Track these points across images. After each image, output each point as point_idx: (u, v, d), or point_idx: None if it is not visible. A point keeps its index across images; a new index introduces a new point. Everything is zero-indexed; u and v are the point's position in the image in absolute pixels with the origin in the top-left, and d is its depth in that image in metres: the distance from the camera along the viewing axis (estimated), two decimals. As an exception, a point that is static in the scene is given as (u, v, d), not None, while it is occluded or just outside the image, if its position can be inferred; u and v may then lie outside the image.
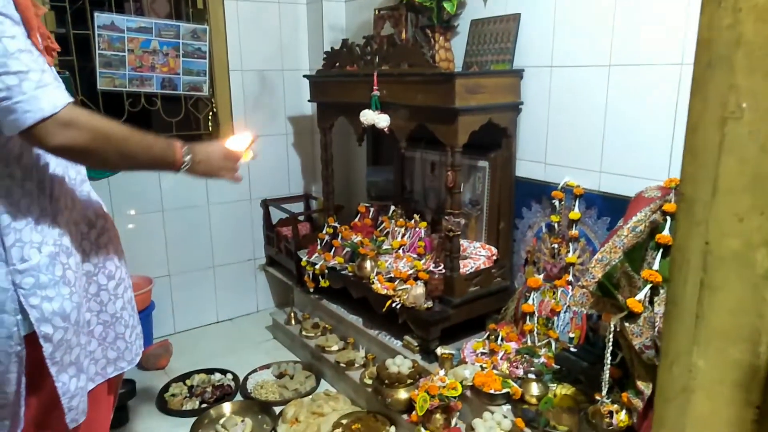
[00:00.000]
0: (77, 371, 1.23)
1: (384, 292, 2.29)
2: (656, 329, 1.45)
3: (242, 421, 2.24)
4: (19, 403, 1.17)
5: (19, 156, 1.12)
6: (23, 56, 0.99)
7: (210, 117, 3.07)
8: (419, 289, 2.19)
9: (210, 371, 2.66)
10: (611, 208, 1.95)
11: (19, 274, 1.11)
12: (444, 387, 1.92)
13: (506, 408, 1.88)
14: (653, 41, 1.79)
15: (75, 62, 2.65)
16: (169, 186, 2.95)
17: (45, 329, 1.14)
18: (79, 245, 1.27)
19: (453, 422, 1.93)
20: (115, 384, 1.48)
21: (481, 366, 2.02)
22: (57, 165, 1.21)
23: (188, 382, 2.58)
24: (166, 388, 2.54)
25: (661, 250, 1.52)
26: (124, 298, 1.40)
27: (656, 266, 1.51)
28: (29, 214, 1.13)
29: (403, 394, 2.06)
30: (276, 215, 3.22)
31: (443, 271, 2.22)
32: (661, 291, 1.49)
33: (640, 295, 1.49)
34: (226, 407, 2.38)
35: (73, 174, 1.27)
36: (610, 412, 1.58)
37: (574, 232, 2.07)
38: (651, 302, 1.49)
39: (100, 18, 2.65)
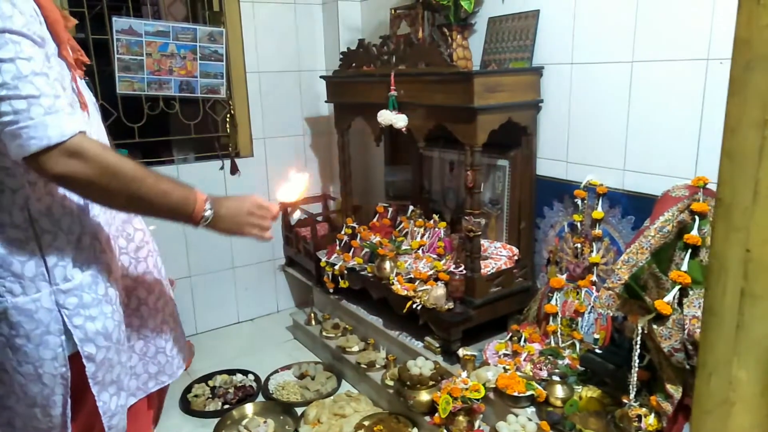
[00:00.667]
0: (117, 389, 1.21)
1: (404, 293, 2.28)
2: (686, 331, 1.42)
3: (264, 422, 2.24)
4: (66, 426, 1.15)
5: None
6: (37, 80, 0.94)
7: (228, 119, 3.08)
8: (440, 290, 2.17)
9: (232, 372, 2.68)
10: (636, 206, 1.92)
11: (63, 294, 1.08)
12: (467, 389, 1.90)
13: (530, 411, 1.85)
14: (678, 36, 1.74)
15: (94, 67, 2.68)
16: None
17: (88, 349, 1.12)
18: (118, 260, 1.25)
19: (476, 424, 1.91)
20: (155, 399, 1.46)
21: (504, 367, 2.00)
22: None
23: (210, 383, 2.60)
24: (189, 388, 2.56)
25: (689, 251, 1.48)
26: (165, 312, 1.37)
27: (685, 267, 1.48)
28: (71, 232, 1.10)
29: (425, 396, 2.05)
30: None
31: (464, 271, 2.20)
32: (690, 292, 1.45)
33: (669, 297, 1.46)
34: (249, 408, 2.39)
35: None
36: (639, 416, 1.55)
37: (597, 231, 2.04)
38: (680, 304, 1.46)
39: (118, 23, 2.67)
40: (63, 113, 0.96)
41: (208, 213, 1.14)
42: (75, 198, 1.11)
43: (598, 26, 1.97)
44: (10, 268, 1.04)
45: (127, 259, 1.29)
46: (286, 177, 1.42)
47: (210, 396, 2.50)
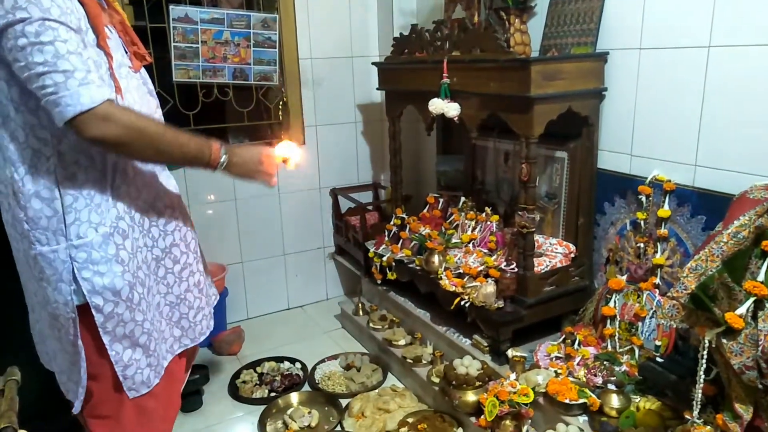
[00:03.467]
0: (132, 344, 1.35)
1: (452, 289, 2.21)
2: (760, 348, 1.28)
3: (309, 413, 2.24)
4: (79, 363, 1.33)
5: (86, 147, 1.25)
6: (72, 57, 1.12)
7: (280, 106, 3.07)
8: (489, 287, 2.09)
9: (280, 359, 2.70)
10: (707, 206, 1.76)
11: (75, 249, 1.25)
12: (515, 392, 1.82)
13: (582, 419, 1.76)
14: (761, 17, 1.57)
15: (152, 55, 2.71)
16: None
17: (96, 301, 1.28)
18: (147, 231, 1.40)
19: (524, 430, 1.83)
20: (189, 353, 1.63)
21: (555, 371, 1.91)
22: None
23: (259, 369, 2.63)
24: (237, 374, 2.60)
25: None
26: (189, 282, 1.52)
27: (761, 277, 1.33)
28: (90, 197, 1.27)
29: (471, 397, 1.98)
30: (345, 204, 3.21)
31: (515, 269, 2.10)
32: (767, 305, 1.31)
33: (742, 309, 1.32)
34: (294, 397, 2.40)
35: (140, 165, 1.38)
36: (702, 435, 1.43)
37: (663, 231, 1.89)
38: (754, 317, 1.32)
39: (175, 11, 2.69)
40: (93, 85, 1.14)
41: (223, 159, 1.33)
42: (98, 169, 1.28)
43: (672, 7, 1.80)
44: (39, 222, 1.25)
45: (157, 231, 1.43)
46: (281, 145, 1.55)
47: (257, 383, 2.53)
